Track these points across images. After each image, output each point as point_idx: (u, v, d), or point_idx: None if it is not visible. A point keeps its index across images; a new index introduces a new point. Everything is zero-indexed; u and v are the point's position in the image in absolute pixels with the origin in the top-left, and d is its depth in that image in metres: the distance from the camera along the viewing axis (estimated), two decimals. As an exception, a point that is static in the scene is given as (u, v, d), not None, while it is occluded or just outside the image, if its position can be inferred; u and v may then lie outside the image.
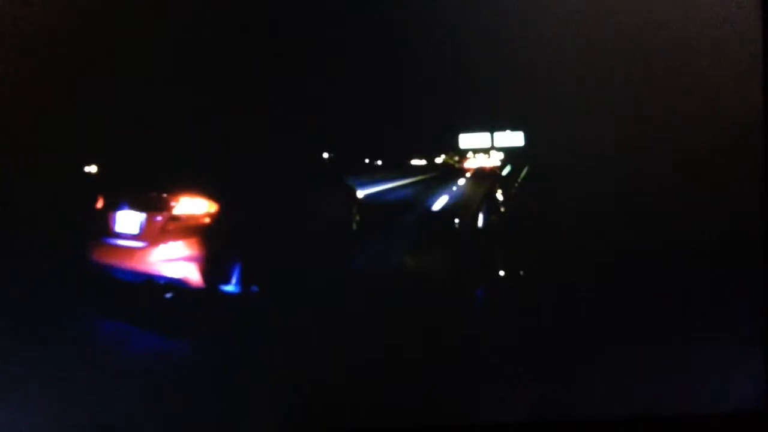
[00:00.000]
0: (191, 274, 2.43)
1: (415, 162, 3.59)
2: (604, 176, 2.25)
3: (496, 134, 2.74)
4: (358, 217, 3.64)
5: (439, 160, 3.33)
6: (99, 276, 2.52)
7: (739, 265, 2.19)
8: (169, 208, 2.45)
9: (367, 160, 3.36)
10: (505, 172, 2.84)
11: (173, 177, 2.50)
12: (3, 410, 2.27)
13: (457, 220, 3.08)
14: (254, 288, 2.59)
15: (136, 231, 2.50)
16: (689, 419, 2.14)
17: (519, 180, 2.80)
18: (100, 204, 2.57)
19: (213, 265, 2.44)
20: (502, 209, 2.81)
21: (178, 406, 2.28)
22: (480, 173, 3.07)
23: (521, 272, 2.36)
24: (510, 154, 2.79)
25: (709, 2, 2.22)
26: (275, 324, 2.42)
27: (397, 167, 3.60)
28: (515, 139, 2.65)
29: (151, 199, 2.50)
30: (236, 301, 2.52)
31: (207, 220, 2.45)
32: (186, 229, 2.44)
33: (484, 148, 2.89)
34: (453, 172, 3.35)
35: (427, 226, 3.17)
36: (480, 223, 2.89)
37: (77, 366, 2.31)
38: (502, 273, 2.43)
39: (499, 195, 2.91)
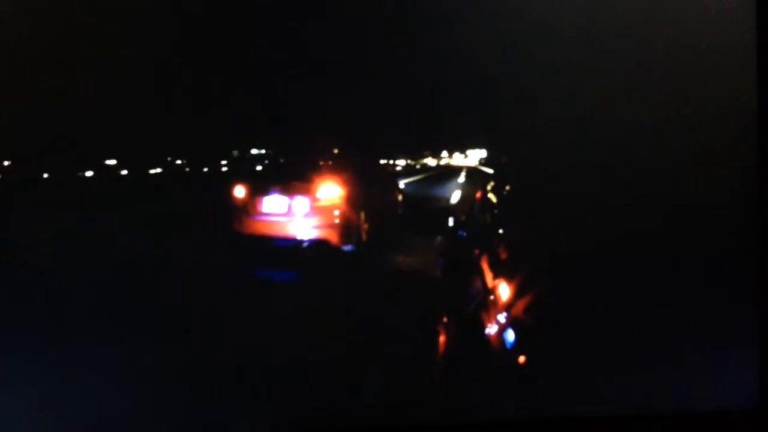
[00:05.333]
0: (328, 237, 3.58)
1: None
2: (599, 176, 2.25)
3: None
4: (402, 201, 4.85)
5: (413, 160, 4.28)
6: (256, 242, 3.63)
7: (733, 262, 2.15)
8: (313, 192, 3.60)
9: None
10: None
11: (318, 170, 3.67)
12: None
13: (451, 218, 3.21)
14: (363, 246, 3.78)
15: (285, 210, 3.61)
16: (683, 417, 2.12)
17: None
18: (255, 192, 3.67)
19: (343, 231, 3.61)
20: (495, 210, 2.90)
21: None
22: (472, 171, 3.89)
23: (516, 272, 2.36)
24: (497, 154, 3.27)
25: (704, 2, 2.19)
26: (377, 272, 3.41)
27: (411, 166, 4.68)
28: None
29: (295, 186, 3.63)
30: (353, 255, 3.70)
31: (339, 200, 3.62)
32: (325, 207, 3.59)
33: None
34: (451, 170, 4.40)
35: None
36: (473, 219, 3.07)
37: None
38: (497, 272, 2.43)
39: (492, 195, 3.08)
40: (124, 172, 3.33)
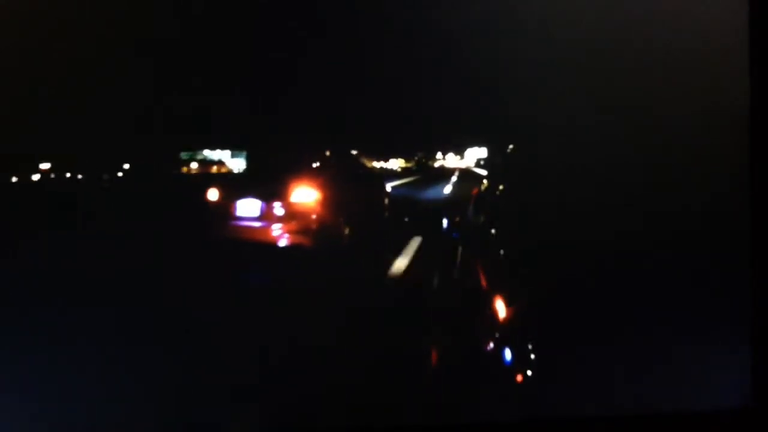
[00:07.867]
0: (303, 241, 3.43)
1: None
2: (592, 177, 2.29)
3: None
4: (388, 204, 4.72)
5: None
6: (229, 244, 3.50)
7: (725, 262, 2.19)
8: (286, 197, 3.44)
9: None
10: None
11: (292, 173, 3.51)
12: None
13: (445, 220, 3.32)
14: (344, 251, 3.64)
15: (257, 214, 3.46)
16: (675, 416, 2.13)
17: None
18: (228, 196, 3.53)
19: (319, 235, 3.46)
20: (488, 211, 2.92)
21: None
22: (465, 173, 3.86)
23: (509, 273, 2.42)
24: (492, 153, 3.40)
25: (696, 2, 2.21)
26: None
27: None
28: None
29: (268, 191, 3.48)
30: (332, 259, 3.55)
31: (314, 204, 3.46)
32: (299, 211, 3.44)
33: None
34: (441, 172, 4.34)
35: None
36: (467, 220, 3.13)
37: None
38: (490, 272, 2.49)
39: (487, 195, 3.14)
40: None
